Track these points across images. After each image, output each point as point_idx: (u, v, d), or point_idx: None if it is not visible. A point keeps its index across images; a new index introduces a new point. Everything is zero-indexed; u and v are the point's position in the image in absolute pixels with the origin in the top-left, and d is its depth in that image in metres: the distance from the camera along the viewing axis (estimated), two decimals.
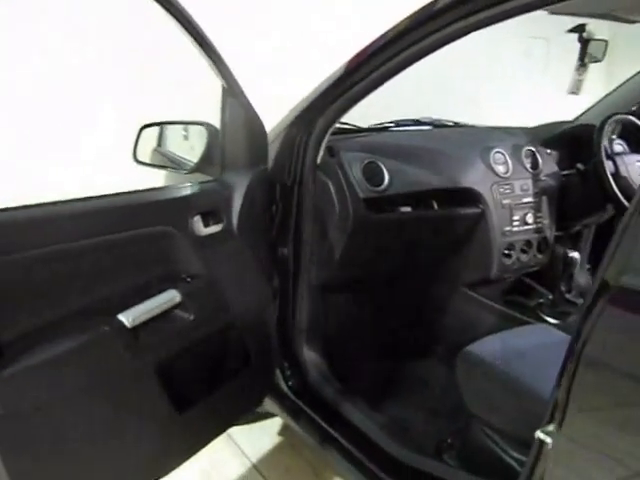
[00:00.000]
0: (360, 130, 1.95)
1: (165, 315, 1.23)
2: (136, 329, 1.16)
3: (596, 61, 1.99)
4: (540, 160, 2.01)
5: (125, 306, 1.16)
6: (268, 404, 1.80)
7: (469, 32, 1.23)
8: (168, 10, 1.20)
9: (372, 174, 1.65)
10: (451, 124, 2.11)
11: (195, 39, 1.26)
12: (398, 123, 2.06)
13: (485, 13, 1.16)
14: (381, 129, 1.99)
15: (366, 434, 1.52)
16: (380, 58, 1.39)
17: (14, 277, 1.03)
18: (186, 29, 1.24)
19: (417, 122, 2.06)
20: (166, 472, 1.33)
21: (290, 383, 1.70)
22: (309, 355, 1.72)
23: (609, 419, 0.89)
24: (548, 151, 2.08)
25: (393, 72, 1.40)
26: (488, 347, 1.43)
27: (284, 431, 2.15)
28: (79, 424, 1.08)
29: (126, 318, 1.15)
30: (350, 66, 1.47)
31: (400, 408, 1.76)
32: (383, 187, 1.65)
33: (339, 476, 1.66)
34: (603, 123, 1.93)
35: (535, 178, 2.00)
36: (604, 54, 2.00)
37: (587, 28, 1.91)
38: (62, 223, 1.12)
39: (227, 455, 2.04)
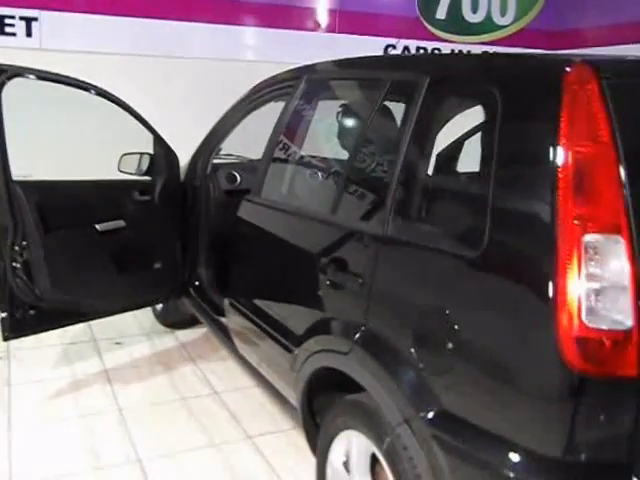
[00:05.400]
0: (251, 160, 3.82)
1: (116, 231, 3.11)
2: (102, 232, 3.05)
3: None
4: None
5: (99, 222, 3.05)
6: (188, 305, 3.61)
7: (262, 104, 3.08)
8: (128, 111, 3.12)
9: (231, 178, 3.49)
10: None
11: (140, 122, 3.18)
12: None
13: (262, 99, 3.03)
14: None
15: (216, 304, 3.30)
16: (226, 118, 3.27)
17: (63, 204, 2.96)
18: (136, 118, 3.16)
19: None
20: (115, 309, 3.19)
21: (196, 284, 3.49)
22: (203, 272, 3.52)
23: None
24: None
25: (233, 125, 3.27)
26: None
27: (205, 334, 3.94)
28: (79, 259, 2.96)
29: (98, 227, 3.04)
30: (215, 124, 3.36)
31: None
32: (236, 184, 3.49)
33: (208, 330, 3.42)
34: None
35: None
36: None
37: None
38: (80, 188, 3.05)
39: (170, 342, 3.87)
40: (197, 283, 3.50)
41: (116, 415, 2.97)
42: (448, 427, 1.52)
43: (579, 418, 1.32)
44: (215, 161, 3.51)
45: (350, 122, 2.31)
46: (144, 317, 4.09)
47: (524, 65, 1.67)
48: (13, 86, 2.71)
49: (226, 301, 2.86)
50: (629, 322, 1.27)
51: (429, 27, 6.00)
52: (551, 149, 1.36)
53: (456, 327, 1.52)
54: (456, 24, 6.07)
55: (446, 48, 6.00)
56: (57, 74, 2.93)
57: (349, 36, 5.61)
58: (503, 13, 6.18)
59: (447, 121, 1.95)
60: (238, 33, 5.25)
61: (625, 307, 1.27)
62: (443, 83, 1.81)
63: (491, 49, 6.15)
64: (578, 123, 1.35)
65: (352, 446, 1.92)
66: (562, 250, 1.30)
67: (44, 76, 2.89)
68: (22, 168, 2.84)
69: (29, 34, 4.53)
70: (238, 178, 3.53)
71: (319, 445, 2.11)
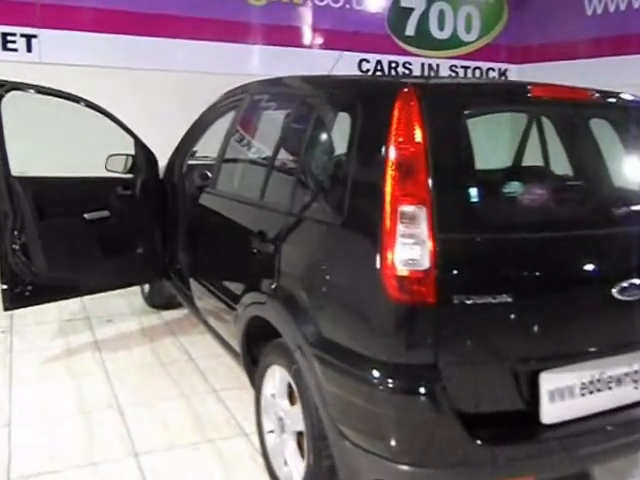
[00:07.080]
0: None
1: (102, 219, 3.76)
2: (90, 220, 3.69)
3: None
4: None
5: (87, 212, 3.70)
6: (170, 288, 4.24)
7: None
8: (112, 119, 3.77)
9: (204, 176, 4.12)
10: None
11: (123, 129, 3.82)
12: None
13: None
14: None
15: (188, 282, 3.93)
16: (198, 124, 3.91)
17: (56, 196, 3.61)
18: (118, 125, 3.80)
19: None
20: (102, 287, 3.84)
21: (177, 267, 4.11)
22: (181, 257, 4.16)
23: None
24: None
25: (203, 129, 3.91)
26: None
27: (188, 314, 4.58)
28: (70, 243, 3.61)
29: (86, 216, 3.68)
30: (188, 129, 4.00)
31: None
32: (208, 182, 4.12)
33: (188, 311, 4.06)
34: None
35: None
36: None
37: None
38: (70, 183, 3.70)
39: (156, 320, 4.51)
40: (178, 267, 4.13)
41: (103, 375, 3.61)
42: (324, 348, 2.13)
43: (404, 335, 1.94)
44: (190, 162, 4.15)
45: (275, 127, 2.93)
46: (134, 299, 4.74)
47: (376, 86, 2.31)
48: (14, 97, 3.36)
49: (191, 277, 3.49)
50: (427, 264, 1.88)
51: (399, 43, 6.65)
52: (385, 147, 1.98)
53: (327, 277, 2.15)
54: (424, 40, 6.73)
55: (416, 62, 6.69)
56: (51, 88, 3.57)
57: (325, 51, 6.24)
58: (468, 30, 6.82)
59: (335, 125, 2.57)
60: (223, 49, 5.91)
61: (425, 254, 1.89)
62: (333, 97, 2.44)
63: (459, 63, 6.85)
64: (402, 129, 1.96)
65: (276, 378, 2.54)
66: (387, 216, 1.92)
67: (39, 90, 3.54)
68: (19, 165, 3.49)
69: (29, 50, 5.20)
70: (210, 176, 4.16)
71: (256, 382, 2.74)
